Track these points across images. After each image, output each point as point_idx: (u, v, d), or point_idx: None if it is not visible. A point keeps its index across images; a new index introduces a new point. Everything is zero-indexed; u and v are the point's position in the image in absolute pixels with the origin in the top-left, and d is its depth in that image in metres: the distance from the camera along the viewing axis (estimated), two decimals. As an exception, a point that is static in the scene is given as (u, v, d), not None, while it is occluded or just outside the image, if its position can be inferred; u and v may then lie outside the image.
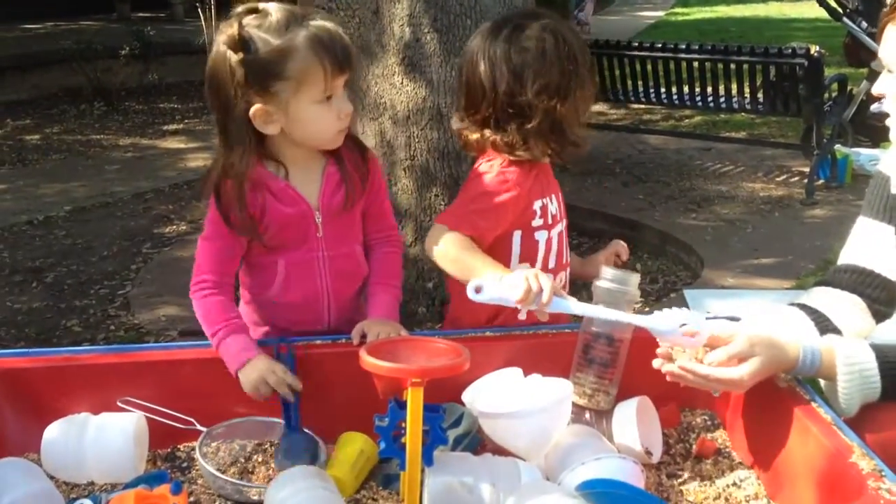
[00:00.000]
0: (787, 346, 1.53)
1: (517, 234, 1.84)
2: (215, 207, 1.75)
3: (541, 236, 1.86)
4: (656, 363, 1.56)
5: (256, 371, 1.64)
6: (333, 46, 1.64)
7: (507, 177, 1.79)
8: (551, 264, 1.88)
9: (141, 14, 13.39)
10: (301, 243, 1.80)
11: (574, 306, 1.60)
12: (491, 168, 1.81)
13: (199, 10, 8.47)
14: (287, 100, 1.66)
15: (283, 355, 1.69)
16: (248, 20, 1.65)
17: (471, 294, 1.57)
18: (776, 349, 1.51)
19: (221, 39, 1.65)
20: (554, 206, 1.88)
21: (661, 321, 1.56)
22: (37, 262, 4.61)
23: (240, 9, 1.68)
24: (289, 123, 1.69)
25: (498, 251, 1.80)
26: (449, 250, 1.73)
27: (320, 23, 1.66)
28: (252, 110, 1.66)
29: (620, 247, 2.01)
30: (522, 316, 1.85)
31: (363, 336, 1.73)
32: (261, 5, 1.68)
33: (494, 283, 1.58)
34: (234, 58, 1.62)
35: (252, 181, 1.73)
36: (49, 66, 9.18)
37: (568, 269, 1.96)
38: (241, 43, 1.62)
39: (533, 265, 1.83)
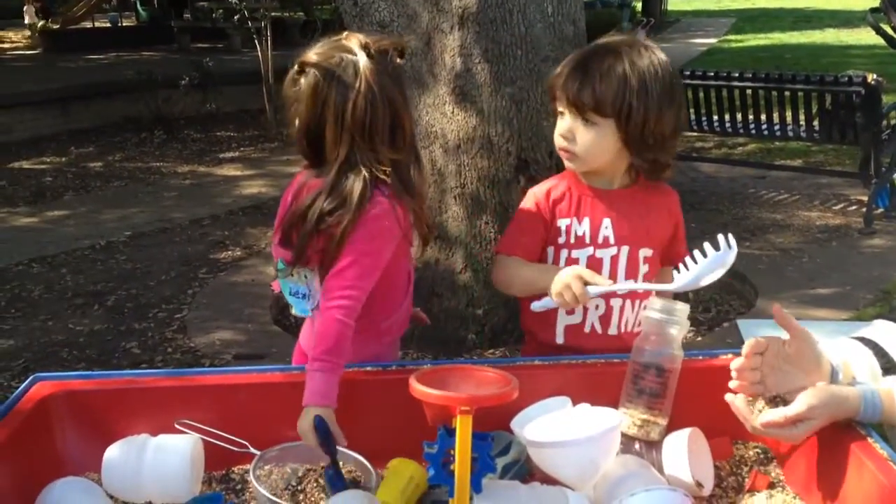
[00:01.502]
0: (849, 398, 1.50)
1: (550, 250, 1.94)
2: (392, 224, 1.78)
3: (563, 254, 1.92)
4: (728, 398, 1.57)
5: (303, 424, 1.64)
6: None
7: (533, 192, 1.97)
8: (632, 290, 1.89)
9: (199, 45, 13.75)
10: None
11: (611, 286, 1.77)
12: (527, 191, 2.00)
13: (256, 41, 8.69)
14: None
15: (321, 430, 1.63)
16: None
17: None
18: (836, 406, 1.49)
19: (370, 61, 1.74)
20: (583, 228, 1.91)
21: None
22: (98, 286, 4.75)
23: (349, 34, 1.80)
24: None
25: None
26: (502, 274, 1.95)
27: None
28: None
29: None
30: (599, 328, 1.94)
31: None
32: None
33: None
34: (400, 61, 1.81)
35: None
36: (112, 95, 9.48)
37: (615, 300, 1.92)
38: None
39: None
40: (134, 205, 6.36)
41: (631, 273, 1.92)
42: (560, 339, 1.93)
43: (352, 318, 1.72)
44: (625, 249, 1.92)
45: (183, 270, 4.97)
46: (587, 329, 1.92)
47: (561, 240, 1.93)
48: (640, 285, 1.84)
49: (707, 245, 1.67)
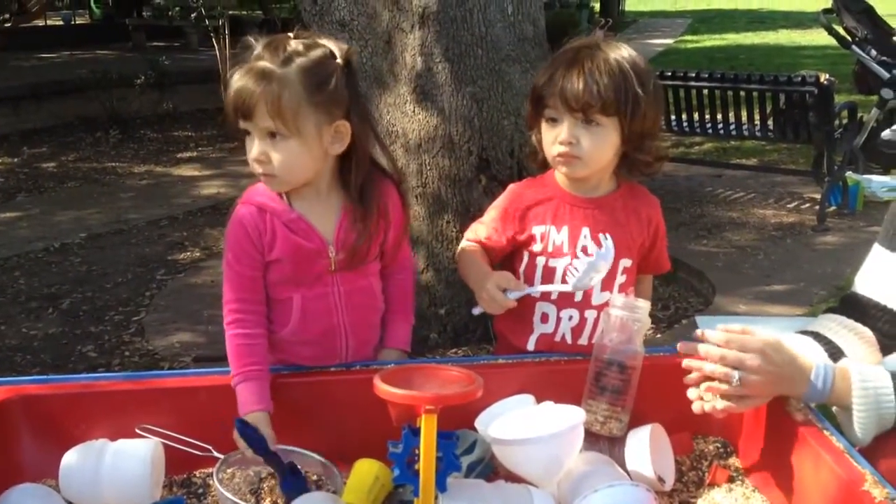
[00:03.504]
0: (802, 359, 1.54)
1: (525, 255, 1.91)
2: None
3: (539, 262, 1.89)
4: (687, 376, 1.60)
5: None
6: (236, 90, 1.68)
7: (511, 189, 1.99)
8: (553, 295, 1.88)
9: (155, 44, 13.56)
10: (315, 278, 1.80)
11: (526, 290, 1.81)
12: (487, 191, 1.98)
13: (214, 39, 8.59)
14: None
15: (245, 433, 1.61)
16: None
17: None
18: (787, 357, 1.53)
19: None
20: (562, 237, 1.87)
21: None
22: (52, 289, 4.65)
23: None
24: None
25: (509, 269, 1.93)
26: (458, 261, 1.98)
27: (257, 65, 1.67)
28: None
29: None
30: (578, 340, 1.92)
31: None
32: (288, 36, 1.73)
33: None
34: None
35: (260, 205, 1.77)
36: (65, 94, 9.31)
37: (590, 311, 1.90)
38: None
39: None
40: (89, 206, 6.24)
41: (608, 284, 1.88)
42: (531, 347, 1.91)
43: (238, 327, 1.75)
44: None
45: (140, 272, 4.89)
46: (558, 339, 1.91)
47: (536, 247, 1.89)
48: (553, 287, 1.84)
49: (591, 244, 1.82)
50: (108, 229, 5.67)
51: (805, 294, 4.21)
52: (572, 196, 1.90)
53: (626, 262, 1.90)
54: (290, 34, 1.75)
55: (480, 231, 1.96)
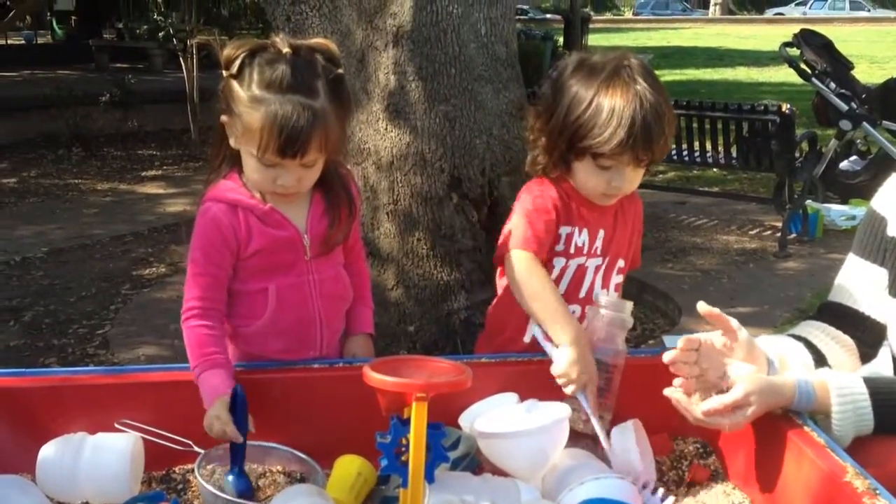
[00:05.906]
0: (784, 386, 1.56)
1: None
2: None
3: (557, 263, 1.89)
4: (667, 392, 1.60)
5: (208, 416, 1.62)
6: (289, 133, 1.64)
7: (545, 193, 1.86)
8: (561, 292, 1.87)
9: (119, 65, 13.46)
10: (290, 267, 1.82)
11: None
12: (534, 188, 1.88)
13: (181, 59, 8.55)
14: (237, 134, 1.73)
15: (240, 397, 1.62)
16: (264, 56, 1.69)
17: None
18: (772, 394, 1.54)
19: (225, 52, 1.72)
20: (582, 238, 1.88)
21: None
22: (14, 302, 4.56)
23: (276, 39, 1.72)
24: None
25: None
26: (525, 278, 1.80)
27: (297, 100, 1.64)
28: (222, 118, 1.75)
29: None
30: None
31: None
32: (284, 48, 1.69)
33: (548, 346, 1.75)
34: (225, 73, 1.72)
35: (233, 202, 1.77)
36: (27, 111, 9.19)
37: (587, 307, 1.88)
38: (238, 67, 1.69)
39: None
40: (51, 221, 6.15)
41: (606, 282, 1.92)
42: (528, 339, 1.89)
43: (200, 320, 1.73)
44: (607, 260, 1.92)
45: (104, 287, 4.81)
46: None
47: (559, 247, 1.88)
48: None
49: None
50: (71, 244, 5.58)
51: (769, 316, 4.28)
52: (586, 199, 1.88)
53: (621, 263, 1.94)
54: (279, 40, 1.72)
55: (533, 244, 1.83)
